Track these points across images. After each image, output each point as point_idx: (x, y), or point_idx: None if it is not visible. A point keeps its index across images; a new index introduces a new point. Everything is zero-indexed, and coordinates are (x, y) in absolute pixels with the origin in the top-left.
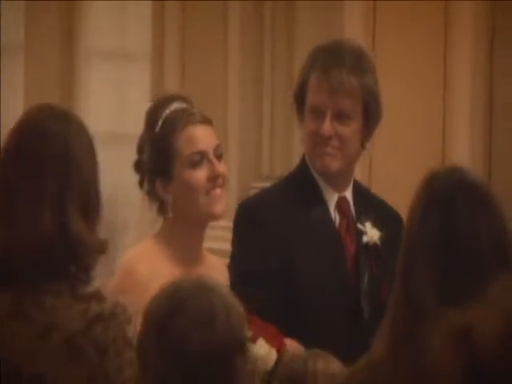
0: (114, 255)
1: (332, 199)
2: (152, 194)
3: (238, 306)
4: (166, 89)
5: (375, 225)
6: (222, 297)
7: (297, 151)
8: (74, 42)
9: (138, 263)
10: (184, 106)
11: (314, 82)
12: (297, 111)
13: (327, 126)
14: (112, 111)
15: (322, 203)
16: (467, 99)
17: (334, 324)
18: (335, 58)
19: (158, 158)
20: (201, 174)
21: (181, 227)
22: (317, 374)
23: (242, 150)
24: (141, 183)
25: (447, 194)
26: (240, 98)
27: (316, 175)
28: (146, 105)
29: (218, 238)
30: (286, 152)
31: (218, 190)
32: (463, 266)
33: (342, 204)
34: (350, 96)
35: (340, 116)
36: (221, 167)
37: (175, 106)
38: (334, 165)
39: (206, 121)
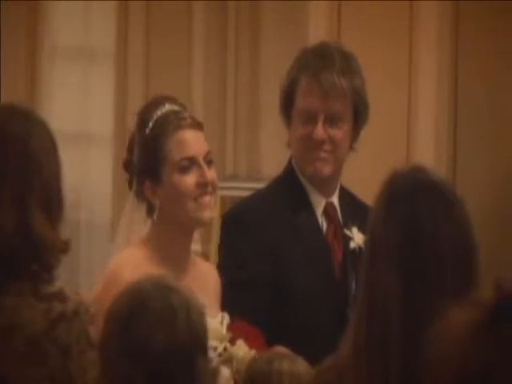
0: (77, 255)
1: (319, 205)
2: (140, 195)
3: (198, 306)
4: (130, 89)
5: (362, 230)
6: (182, 297)
7: (260, 151)
8: (37, 41)
9: (123, 269)
10: (175, 108)
11: (304, 86)
12: (284, 115)
13: (320, 130)
14: (76, 111)
15: (310, 209)
16: (432, 99)
17: (323, 329)
18: (325, 60)
19: (148, 160)
20: (190, 180)
21: (168, 231)
22: (282, 374)
23: None
24: (129, 183)
25: (409, 193)
26: (204, 98)
27: (303, 180)
28: (110, 104)
29: None
30: (249, 152)
31: (207, 197)
32: (425, 266)
33: (329, 209)
34: (341, 98)
35: (332, 119)
36: (211, 174)
37: (167, 107)
38: (326, 169)
39: (197, 126)
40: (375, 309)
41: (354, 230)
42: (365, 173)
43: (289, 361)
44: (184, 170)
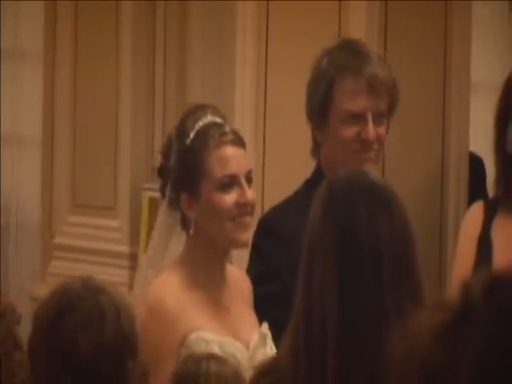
0: (6, 257)
1: None
2: (174, 204)
3: (128, 307)
4: (58, 90)
5: None
6: (111, 298)
7: None
8: None
9: (164, 298)
10: (217, 119)
11: (347, 85)
12: (317, 120)
13: (372, 129)
14: (5, 112)
15: None
16: None
17: None
18: (362, 56)
19: (186, 172)
20: (229, 199)
21: (204, 249)
22: (209, 374)
23: (133, 150)
24: (162, 189)
25: (346, 194)
26: (132, 97)
27: None
28: (38, 105)
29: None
30: None
31: (247, 218)
32: (362, 266)
33: None
34: (385, 94)
35: (377, 117)
36: (251, 194)
37: (209, 118)
38: (375, 170)
39: (240, 142)
40: (312, 310)
41: None
42: (289, 172)
43: (217, 362)
44: (224, 187)
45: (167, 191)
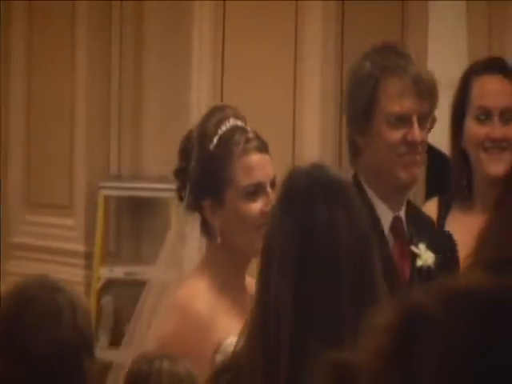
0: None
1: (387, 219)
2: (192, 207)
3: (84, 306)
4: (12, 87)
5: (431, 248)
6: (67, 296)
7: (144, 151)
8: None
9: (193, 302)
10: (239, 123)
11: (394, 86)
12: (361, 124)
13: (418, 132)
14: None
15: (378, 224)
16: (317, 98)
17: None
18: (404, 56)
19: (210, 179)
20: (255, 207)
21: (227, 253)
22: (161, 373)
23: (89, 149)
24: (179, 191)
25: (305, 191)
26: (87, 96)
27: (370, 192)
28: None
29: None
30: (133, 152)
31: None
32: (320, 264)
33: (396, 225)
34: (427, 95)
35: (421, 120)
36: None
37: (231, 122)
38: (419, 174)
39: (264, 148)
40: (269, 310)
41: (422, 247)
42: None
43: (170, 361)
44: (250, 196)
45: (185, 194)
